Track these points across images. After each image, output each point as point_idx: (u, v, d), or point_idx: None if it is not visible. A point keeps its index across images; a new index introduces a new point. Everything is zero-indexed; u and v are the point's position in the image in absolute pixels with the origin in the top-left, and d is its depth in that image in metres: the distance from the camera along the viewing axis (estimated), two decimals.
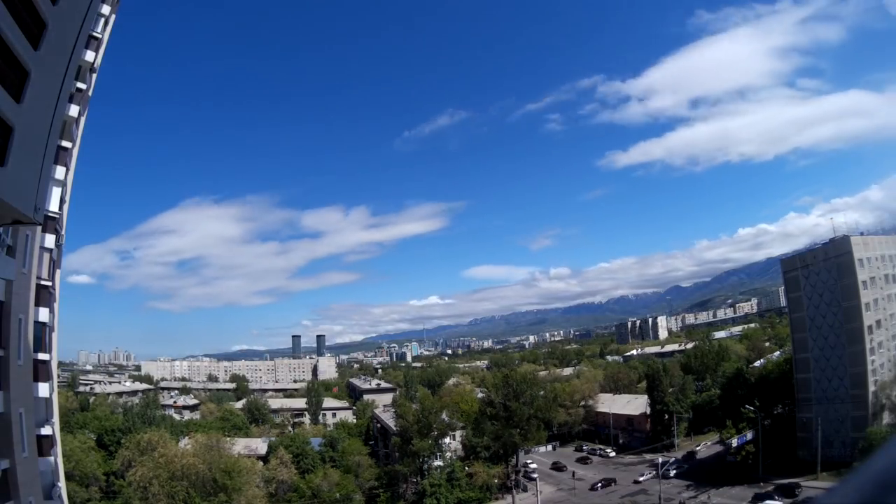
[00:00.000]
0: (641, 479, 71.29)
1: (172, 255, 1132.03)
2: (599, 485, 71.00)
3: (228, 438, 74.43)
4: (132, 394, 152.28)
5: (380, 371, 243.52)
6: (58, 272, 38.26)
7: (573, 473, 75.88)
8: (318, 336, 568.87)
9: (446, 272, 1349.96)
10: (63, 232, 38.65)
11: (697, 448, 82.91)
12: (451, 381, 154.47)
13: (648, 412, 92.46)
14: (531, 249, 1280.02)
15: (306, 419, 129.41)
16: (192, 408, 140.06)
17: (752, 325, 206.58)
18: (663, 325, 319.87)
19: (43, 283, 31.83)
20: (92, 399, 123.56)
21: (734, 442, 66.75)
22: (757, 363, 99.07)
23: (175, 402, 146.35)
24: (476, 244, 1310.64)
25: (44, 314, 31.47)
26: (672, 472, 70.80)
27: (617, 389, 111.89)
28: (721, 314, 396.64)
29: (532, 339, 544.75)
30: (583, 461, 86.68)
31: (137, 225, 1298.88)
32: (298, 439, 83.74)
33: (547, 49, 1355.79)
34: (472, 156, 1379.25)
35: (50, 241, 33.21)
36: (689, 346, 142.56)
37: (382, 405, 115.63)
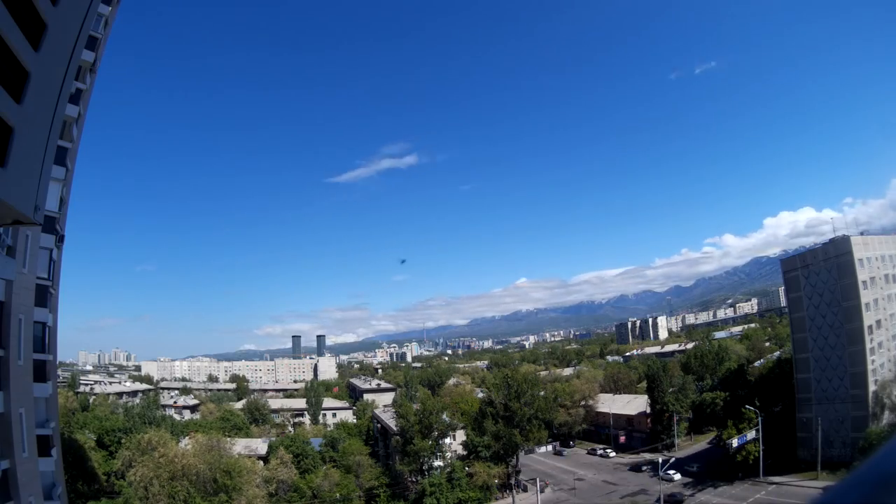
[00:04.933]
0: None
1: None
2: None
3: (229, 438, 74.28)
4: (132, 394, 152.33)
5: (380, 371, 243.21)
6: (58, 272, 38.25)
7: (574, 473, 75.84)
8: (319, 336, 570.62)
9: None
10: (63, 232, 38.63)
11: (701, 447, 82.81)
12: (452, 381, 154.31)
13: (648, 412, 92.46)
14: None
15: (306, 419, 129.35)
16: (193, 408, 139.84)
17: (753, 325, 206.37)
18: (663, 325, 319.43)
19: (43, 283, 31.85)
20: (92, 399, 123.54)
21: (734, 442, 66.62)
22: (757, 363, 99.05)
23: (175, 403, 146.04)
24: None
25: (44, 314, 31.48)
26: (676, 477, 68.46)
27: (617, 389, 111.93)
28: (721, 314, 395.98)
29: (532, 339, 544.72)
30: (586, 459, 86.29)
31: None
32: (299, 439, 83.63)
33: None
34: None
35: (50, 241, 33.23)
36: (689, 346, 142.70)
37: (382, 405, 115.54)
